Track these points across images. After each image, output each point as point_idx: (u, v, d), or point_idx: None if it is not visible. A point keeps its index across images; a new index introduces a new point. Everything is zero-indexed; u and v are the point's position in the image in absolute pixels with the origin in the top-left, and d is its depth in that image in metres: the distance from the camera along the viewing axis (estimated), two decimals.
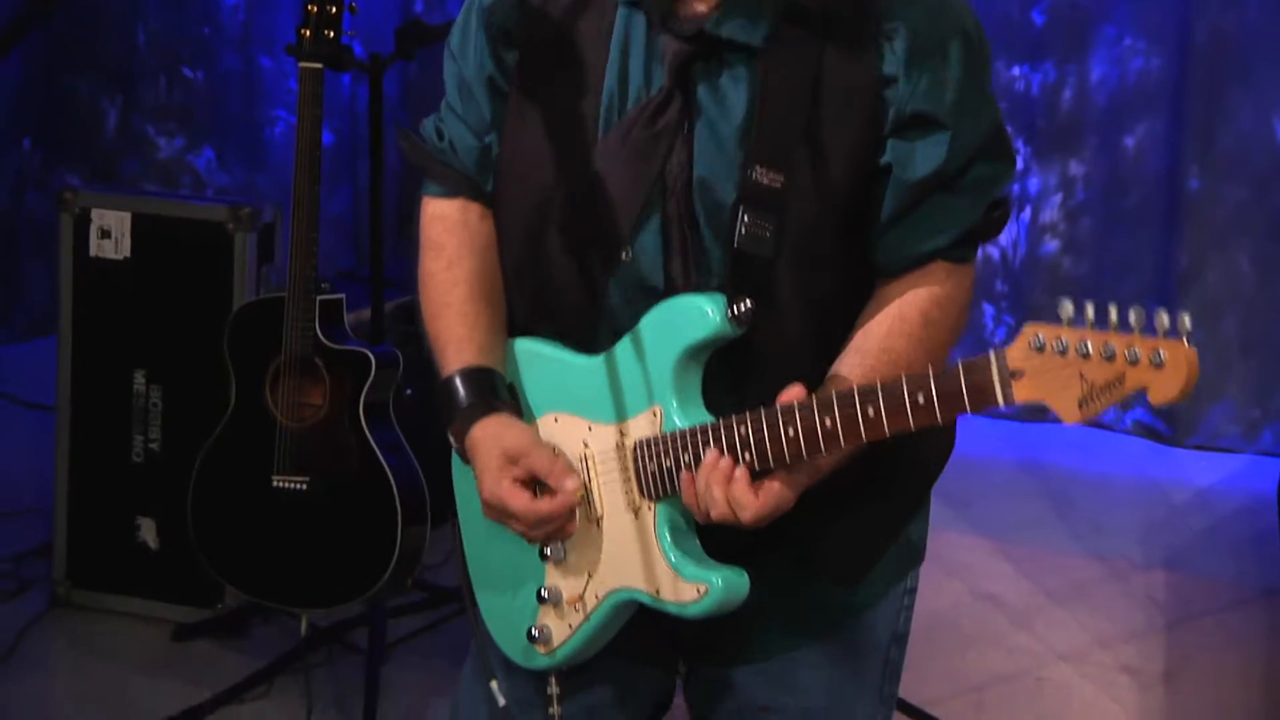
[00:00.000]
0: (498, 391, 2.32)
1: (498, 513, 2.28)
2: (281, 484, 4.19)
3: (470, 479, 2.36)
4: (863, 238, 2.24)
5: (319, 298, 4.16)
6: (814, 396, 2.09)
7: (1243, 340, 6.37)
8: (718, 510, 2.13)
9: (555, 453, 2.28)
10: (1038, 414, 6.71)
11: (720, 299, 2.17)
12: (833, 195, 2.20)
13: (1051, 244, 6.64)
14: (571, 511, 2.25)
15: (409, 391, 4.40)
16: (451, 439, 2.34)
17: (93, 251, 4.70)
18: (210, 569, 4.37)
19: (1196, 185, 6.36)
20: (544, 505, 2.23)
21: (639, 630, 2.33)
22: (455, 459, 2.45)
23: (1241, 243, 6.34)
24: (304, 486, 4.18)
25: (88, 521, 4.79)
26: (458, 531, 2.49)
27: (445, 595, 4.83)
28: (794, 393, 2.11)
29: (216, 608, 4.70)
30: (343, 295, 4.26)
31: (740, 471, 2.12)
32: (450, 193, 2.43)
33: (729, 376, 2.22)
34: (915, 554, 2.45)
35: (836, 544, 2.32)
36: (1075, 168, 6.59)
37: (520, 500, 2.24)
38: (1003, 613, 4.97)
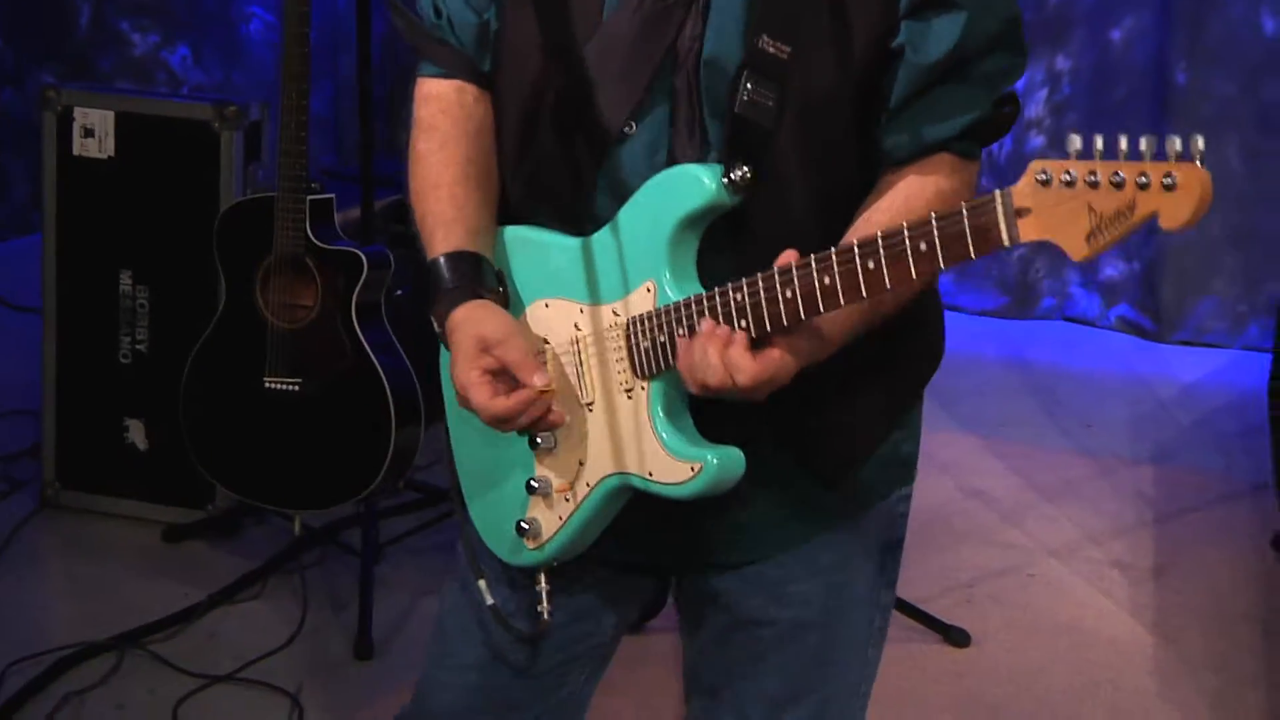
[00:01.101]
0: (484, 277, 2.27)
1: (463, 400, 2.23)
2: (274, 385, 4.18)
3: None
4: (870, 124, 2.20)
5: (309, 198, 4.12)
6: (812, 256, 2.04)
7: (1229, 235, 6.36)
8: (715, 376, 2.06)
9: (545, 340, 2.25)
10: (1025, 309, 6.71)
11: (716, 167, 2.12)
12: (841, 72, 2.16)
13: (1037, 139, 6.62)
14: (544, 404, 2.20)
15: (399, 292, 4.37)
16: (434, 322, 2.28)
17: (76, 151, 4.65)
18: (203, 471, 4.36)
19: (1184, 79, 6.34)
20: (499, 404, 2.18)
21: (627, 535, 2.31)
22: (444, 352, 2.43)
23: (1229, 136, 6.32)
24: (296, 388, 4.17)
25: (76, 423, 4.77)
26: (446, 428, 2.46)
27: (438, 495, 4.83)
28: (790, 255, 2.06)
29: (207, 509, 4.68)
30: (333, 195, 4.22)
31: (738, 335, 2.06)
32: (446, 73, 2.37)
33: (732, 260, 2.17)
34: (906, 470, 2.41)
35: (823, 438, 2.29)
36: (1061, 62, 6.56)
37: (481, 393, 2.18)
38: (993, 509, 4.99)
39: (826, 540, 2.35)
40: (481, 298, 2.25)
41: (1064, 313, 6.69)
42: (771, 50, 2.12)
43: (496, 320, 2.23)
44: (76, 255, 4.70)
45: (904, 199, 2.17)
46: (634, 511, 2.27)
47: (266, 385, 4.18)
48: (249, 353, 4.20)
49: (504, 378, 2.20)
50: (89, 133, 4.63)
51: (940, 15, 2.13)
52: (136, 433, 4.71)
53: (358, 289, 4.13)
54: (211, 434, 4.31)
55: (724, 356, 2.06)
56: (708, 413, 2.19)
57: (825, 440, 2.29)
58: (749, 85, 2.13)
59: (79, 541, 4.67)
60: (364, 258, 4.14)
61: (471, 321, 2.22)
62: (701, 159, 2.17)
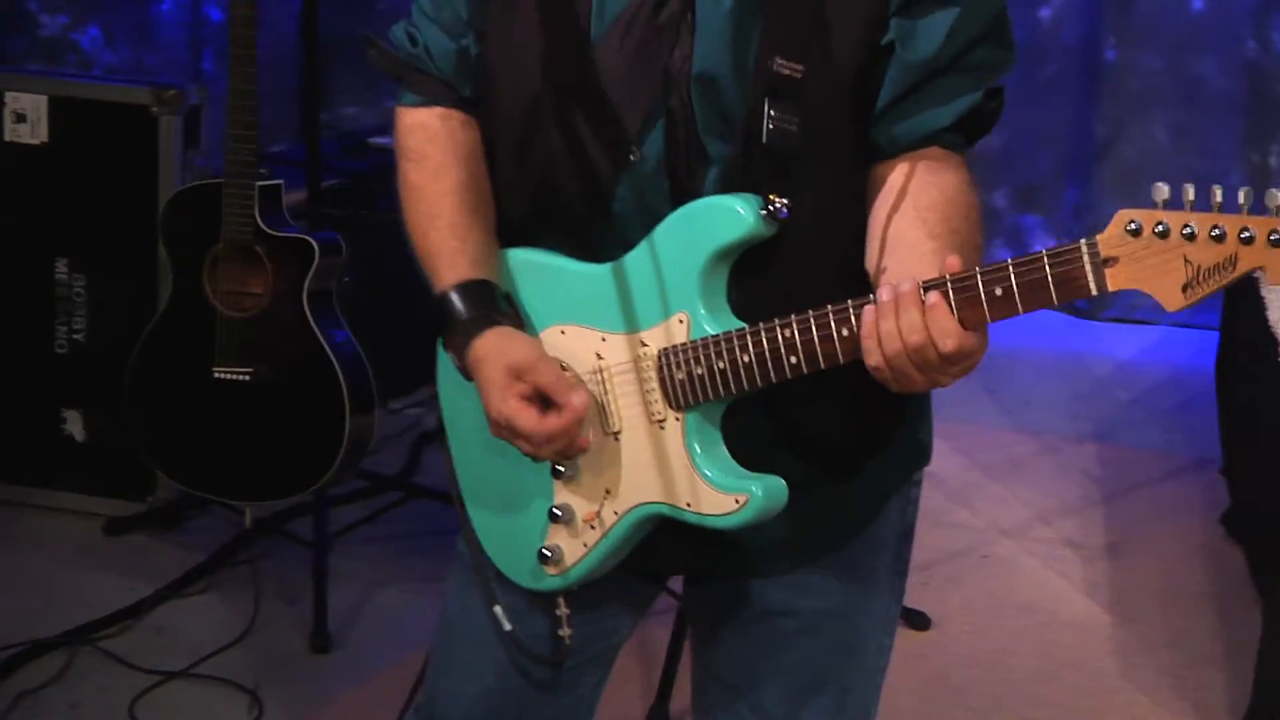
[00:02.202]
0: (497, 304, 2.22)
1: (506, 431, 2.17)
2: (223, 375, 4.09)
3: (462, 394, 2.28)
4: (866, 124, 2.16)
5: (258, 184, 4.04)
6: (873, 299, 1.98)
7: None
8: (916, 336, 1.93)
9: (563, 367, 2.20)
10: None
11: (752, 199, 2.08)
12: (847, 80, 2.12)
13: None
14: (582, 427, 2.16)
15: (346, 279, 4.29)
16: (451, 356, 2.23)
17: (8, 136, 4.54)
18: (151, 463, 4.28)
19: (1113, 55, 6.35)
20: (551, 422, 2.13)
21: (652, 550, 2.25)
22: (442, 373, 2.37)
23: (1157, 112, 6.35)
24: (247, 377, 4.09)
25: (12, 414, 4.67)
26: (447, 450, 2.40)
27: (385, 483, 4.77)
28: (912, 282, 1.96)
29: (147, 500, 4.59)
30: (281, 181, 4.15)
31: (936, 297, 1.94)
32: (428, 101, 2.32)
33: (750, 278, 2.14)
34: (921, 453, 2.39)
35: (839, 437, 2.25)
36: None
37: (528, 418, 2.14)
38: (941, 490, 4.97)
39: (845, 541, 2.32)
40: (498, 324, 2.20)
41: None
42: (786, 72, 2.09)
43: (522, 345, 2.18)
44: (10, 243, 4.59)
45: (938, 194, 2.12)
46: (661, 532, 2.23)
47: (215, 375, 4.09)
48: (197, 342, 4.11)
49: (538, 402, 2.16)
50: (21, 118, 4.53)
51: (931, 12, 2.11)
52: (74, 424, 4.62)
53: (310, 276, 4.06)
54: (159, 426, 4.23)
55: (927, 320, 1.94)
56: (728, 426, 2.16)
57: (839, 437, 2.26)
58: (772, 112, 2.09)
59: (19, 535, 4.57)
60: (316, 245, 4.06)
61: (497, 351, 2.17)
62: (701, 179, 2.14)
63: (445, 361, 2.34)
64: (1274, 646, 3.67)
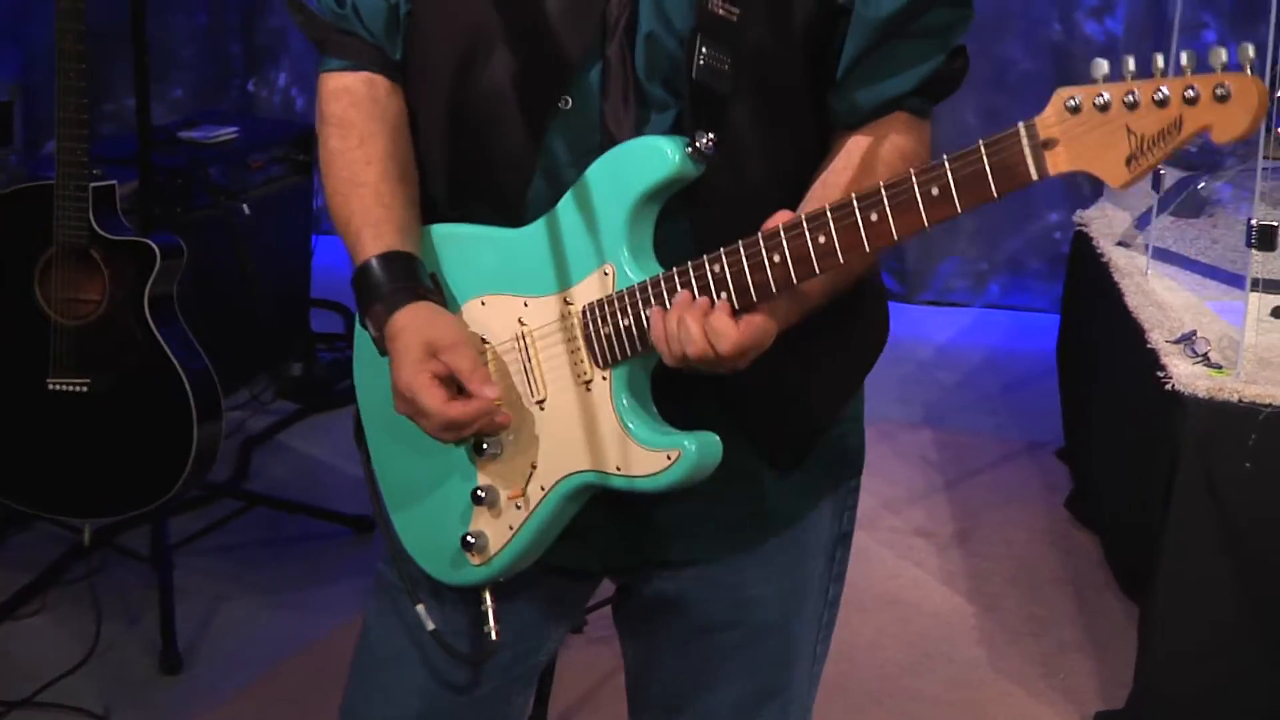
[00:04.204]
0: (421, 278, 2.13)
1: (408, 406, 2.08)
2: (58, 386, 3.89)
3: (379, 375, 2.18)
4: (823, 87, 2.10)
5: (91, 185, 3.84)
6: (803, 216, 1.91)
7: None
8: (694, 347, 1.93)
9: (482, 340, 2.12)
10: None
11: (678, 139, 2.00)
12: (790, 32, 2.06)
13: None
14: (486, 420, 2.07)
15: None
16: (369, 327, 2.13)
17: None
18: None
19: None
20: (456, 408, 2.05)
21: (578, 538, 2.17)
22: (359, 357, 2.27)
23: (965, 95, 6.35)
24: (85, 388, 3.89)
25: None
26: (362, 437, 2.30)
27: (218, 491, 4.59)
28: (782, 216, 1.94)
29: None
30: (114, 182, 3.95)
31: (720, 303, 1.94)
32: (354, 66, 2.21)
33: (689, 232, 2.06)
34: (854, 461, 2.34)
35: (779, 420, 2.18)
36: None
37: (433, 396, 2.05)
38: None
39: (781, 539, 2.26)
40: (423, 298, 2.11)
41: None
42: (721, 13, 2.02)
43: (444, 324, 2.09)
44: None
45: (863, 158, 2.07)
46: (587, 513, 2.14)
47: (50, 386, 3.89)
48: (28, 353, 3.90)
49: (450, 384, 2.07)
50: None
51: None
52: None
53: (151, 281, 3.87)
54: None
55: (705, 325, 1.93)
56: (663, 403, 2.07)
57: (781, 422, 2.19)
58: (704, 49, 2.02)
59: None
60: (157, 248, 3.88)
61: (417, 325, 2.08)
62: (638, 129, 2.05)
63: (362, 343, 2.25)
64: (1154, 634, 3.68)
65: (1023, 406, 5.55)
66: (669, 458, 2.01)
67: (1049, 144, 1.76)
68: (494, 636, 2.20)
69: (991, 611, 4.28)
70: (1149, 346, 3.83)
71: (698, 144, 1.99)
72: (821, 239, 1.90)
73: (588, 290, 2.05)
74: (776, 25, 2.05)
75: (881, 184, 1.86)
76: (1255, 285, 3.76)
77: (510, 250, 2.12)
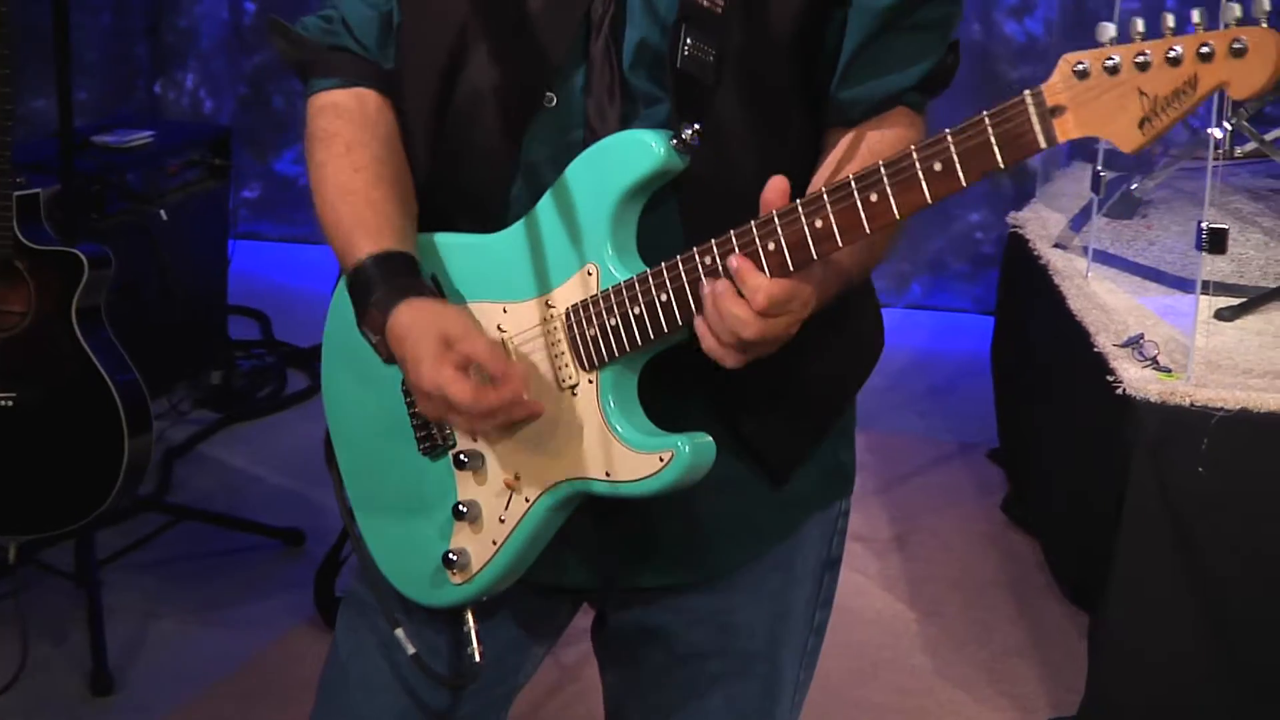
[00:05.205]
0: (420, 276, 2.06)
1: (436, 404, 1.99)
2: None
3: (355, 385, 2.12)
4: (813, 84, 2.06)
5: (15, 193, 3.73)
6: (798, 201, 1.86)
7: None
8: (743, 324, 1.86)
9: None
10: None
11: (663, 132, 1.96)
12: (777, 23, 2.02)
13: None
14: (521, 403, 1.98)
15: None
16: (368, 333, 2.05)
17: None
18: None
19: None
20: (492, 396, 1.96)
21: (563, 555, 2.11)
22: (328, 370, 2.20)
23: None
24: (10, 403, 3.78)
25: None
26: (332, 458, 2.22)
27: (144, 505, 4.48)
28: (777, 185, 1.88)
29: None
30: (39, 190, 3.84)
31: (742, 260, 1.86)
32: (343, 83, 2.16)
33: (676, 228, 2.01)
34: (844, 480, 2.29)
35: (770, 430, 2.12)
36: None
37: (465, 389, 1.95)
38: None
39: (769, 562, 2.20)
40: (422, 295, 2.03)
41: None
42: (706, 4, 1.97)
43: (451, 315, 2.01)
44: None
45: (869, 150, 2.03)
46: (573, 527, 2.08)
47: None
48: None
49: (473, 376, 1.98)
50: None
51: None
52: None
53: (79, 292, 3.77)
54: None
55: (740, 281, 1.86)
56: (651, 410, 2.01)
57: (773, 432, 2.13)
58: (688, 40, 1.97)
59: None
60: (85, 258, 3.77)
61: (426, 319, 2.00)
62: (623, 125, 2.00)
63: (331, 358, 2.19)
64: (1106, 641, 3.66)
65: (952, 408, 5.53)
66: (661, 459, 1.95)
67: (1056, 111, 1.72)
68: (477, 658, 2.13)
69: (933, 617, 4.25)
70: (1096, 350, 3.81)
71: (683, 135, 1.94)
72: (818, 223, 1.84)
73: (570, 292, 1.99)
74: (762, 17, 2.01)
75: (881, 163, 1.81)
76: (1206, 288, 3.74)
77: (488, 255, 2.06)
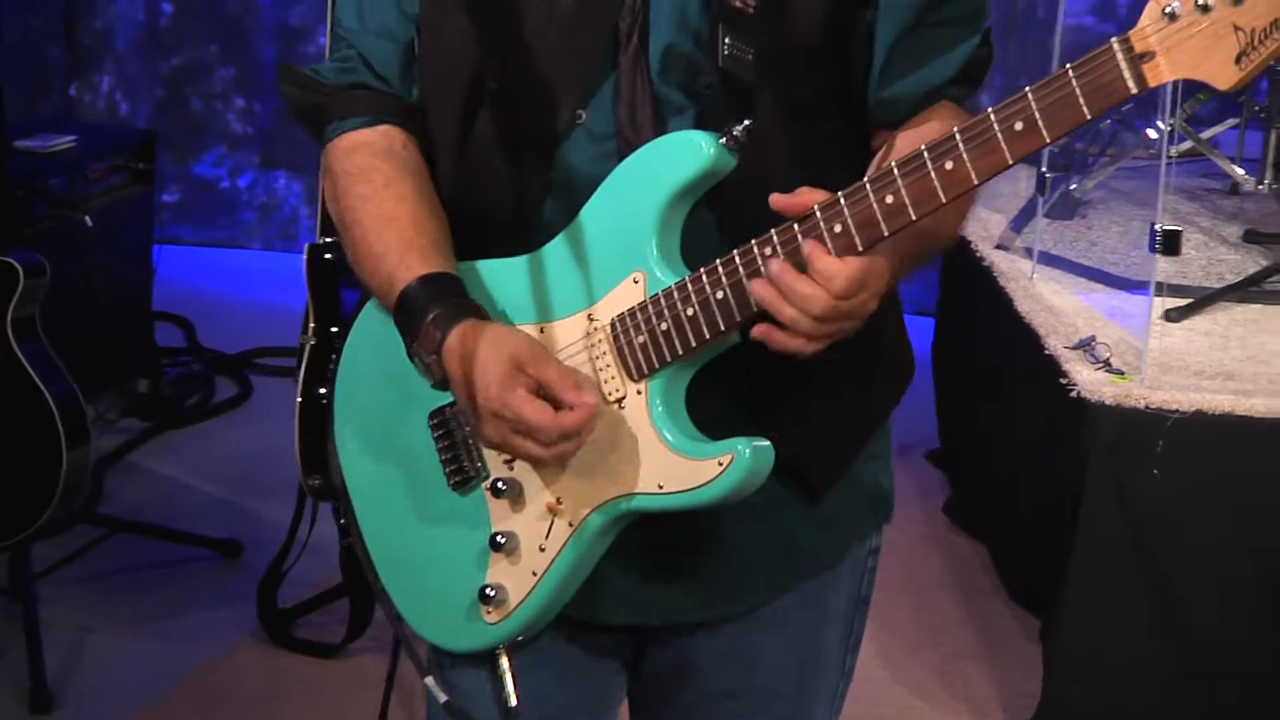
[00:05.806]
0: (470, 297, 1.99)
1: (503, 428, 1.92)
2: None
3: (363, 426, 2.07)
4: (852, 85, 2.04)
5: None
6: (866, 180, 1.82)
7: None
8: (814, 301, 1.81)
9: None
10: None
11: (710, 132, 1.91)
12: (809, 22, 1.99)
13: None
14: (591, 424, 1.92)
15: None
16: (420, 355, 1.97)
17: None
18: None
19: None
20: (569, 418, 1.89)
21: (605, 590, 2.04)
22: (340, 410, 2.14)
23: None
24: None
25: None
26: (348, 506, 2.15)
27: (76, 517, 4.38)
28: (811, 197, 1.84)
29: None
30: None
31: (812, 244, 1.82)
32: (368, 122, 2.11)
33: (714, 229, 1.96)
34: (884, 504, 2.22)
35: (810, 446, 2.06)
36: None
37: (541, 412, 1.89)
38: None
39: (801, 598, 2.13)
40: (478, 315, 1.97)
41: None
42: (739, 5, 1.95)
43: (518, 338, 1.95)
44: None
45: (920, 142, 1.92)
46: (614, 562, 2.01)
47: None
48: None
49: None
50: None
51: None
52: None
53: (14, 302, 3.68)
54: None
55: (812, 273, 1.82)
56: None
57: (811, 448, 2.06)
58: (727, 40, 1.94)
59: None
60: (20, 267, 3.68)
61: (492, 341, 1.93)
62: (656, 134, 1.95)
63: (345, 396, 2.13)
64: (1061, 644, 3.65)
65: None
66: (720, 464, 1.88)
67: (1145, 56, 1.69)
68: (513, 702, 2.04)
69: (883, 621, 4.21)
70: (1047, 353, 3.80)
71: (734, 132, 1.89)
72: (889, 199, 1.81)
73: (616, 301, 1.93)
74: (794, 16, 1.98)
75: (956, 129, 1.78)
76: (1159, 290, 3.73)
77: (520, 278, 2.00)
